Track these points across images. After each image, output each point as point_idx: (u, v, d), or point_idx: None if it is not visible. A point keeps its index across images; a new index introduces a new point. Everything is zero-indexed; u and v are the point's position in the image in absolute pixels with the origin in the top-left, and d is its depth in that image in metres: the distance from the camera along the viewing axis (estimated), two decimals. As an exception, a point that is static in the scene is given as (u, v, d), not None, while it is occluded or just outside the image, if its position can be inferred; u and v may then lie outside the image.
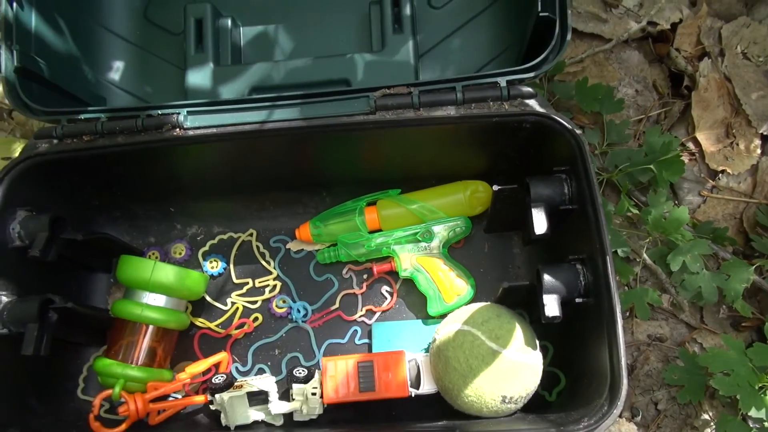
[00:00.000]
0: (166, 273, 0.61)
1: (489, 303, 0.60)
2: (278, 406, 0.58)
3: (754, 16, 0.77)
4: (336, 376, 0.58)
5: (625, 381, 0.47)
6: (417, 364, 0.59)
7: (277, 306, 0.67)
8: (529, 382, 0.54)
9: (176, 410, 0.61)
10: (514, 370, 0.53)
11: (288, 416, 0.61)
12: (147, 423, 0.60)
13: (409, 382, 0.58)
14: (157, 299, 0.62)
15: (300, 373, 0.59)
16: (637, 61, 0.77)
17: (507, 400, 0.53)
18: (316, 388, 0.58)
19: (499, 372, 0.53)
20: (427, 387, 0.58)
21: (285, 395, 0.60)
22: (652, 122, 0.76)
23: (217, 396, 0.57)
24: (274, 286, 0.68)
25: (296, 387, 0.58)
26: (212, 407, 0.58)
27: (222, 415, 0.58)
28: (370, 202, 0.69)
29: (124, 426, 0.58)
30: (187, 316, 0.65)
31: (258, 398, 0.58)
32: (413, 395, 0.58)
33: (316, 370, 0.59)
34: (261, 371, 0.65)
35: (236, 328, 0.66)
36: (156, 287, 0.61)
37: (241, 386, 0.58)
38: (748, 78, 0.74)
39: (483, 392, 0.53)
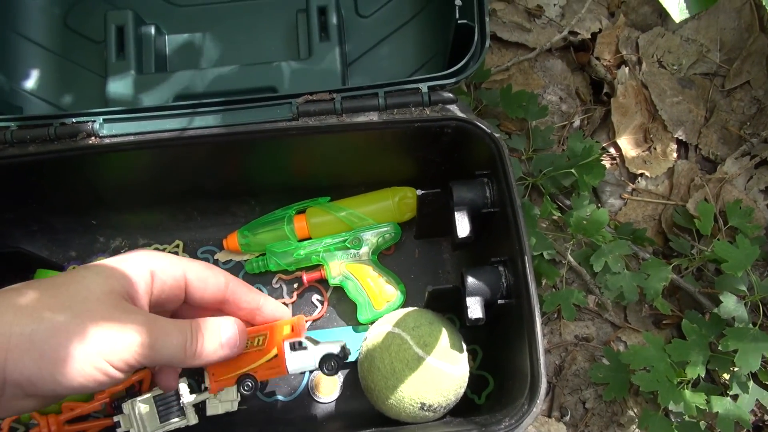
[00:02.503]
0: (83, 287, 0.59)
1: (423, 309, 0.61)
2: (188, 398, 0.56)
3: (669, 26, 0.81)
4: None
5: (543, 379, 0.47)
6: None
7: (204, 318, 0.65)
8: (450, 392, 0.54)
9: None
10: (435, 379, 0.53)
11: (203, 413, 0.59)
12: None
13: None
14: (74, 315, 0.59)
15: None
16: (560, 70, 0.80)
17: (426, 408, 0.53)
18: None
19: (421, 379, 0.53)
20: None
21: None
22: (575, 128, 0.78)
23: (123, 405, 0.55)
24: (202, 298, 0.66)
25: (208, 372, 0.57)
26: (119, 430, 0.56)
27: (131, 430, 0.56)
28: (300, 211, 0.68)
29: (36, 449, 0.55)
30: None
31: (167, 403, 0.56)
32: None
33: None
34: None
35: (161, 343, 0.64)
36: (72, 302, 0.59)
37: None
38: (663, 85, 0.78)
39: (403, 396, 0.53)
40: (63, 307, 0.39)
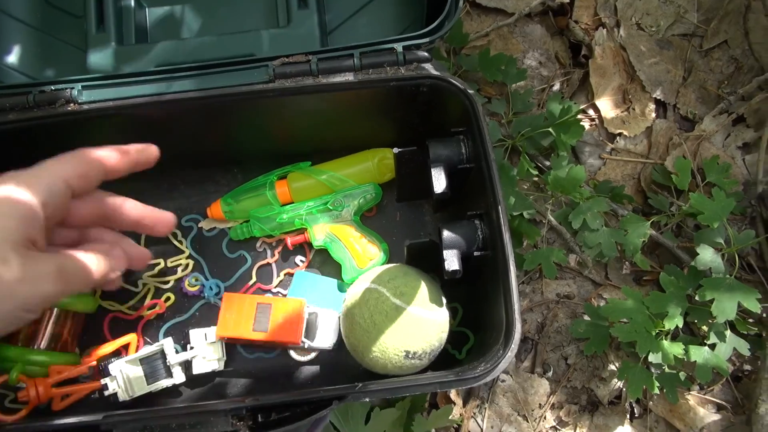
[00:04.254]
0: (68, 253, 0.59)
1: (398, 264, 0.61)
2: (174, 358, 0.58)
3: (646, -11, 0.81)
4: (233, 310, 0.59)
5: (518, 325, 0.48)
6: (317, 317, 0.60)
7: (189, 284, 0.66)
8: (432, 337, 0.55)
9: (82, 395, 0.59)
10: (416, 325, 0.54)
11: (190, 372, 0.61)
12: (51, 408, 0.58)
13: (303, 332, 0.58)
14: (60, 281, 0.60)
15: None
16: (540, 34, 0.80)
17: (411, 356, 0.54)
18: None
19: (402, 327, 0.54)
20: (319, 341, 0.59)
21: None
22: (555, 91, 0.79)
23: (110, 367, 0.56)
24: (186, 265, 0.67)
25: (193, 332, 0.59)
26: (107, 392, 0.57)
27: (119, 391, 0.57)
28: (281, 176, 0.69)
29: (23, 412, 0.55)
30: (95, 299, 0.64)
31: (154, 363, 0.58)
32: (305, 345, 0.58)
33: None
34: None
35: (148, 309, 0.65)
36: (58, 268, 0.60)
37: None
38: (641, 47, 0.78)
39: (386, 347, 0.54)
40: None
